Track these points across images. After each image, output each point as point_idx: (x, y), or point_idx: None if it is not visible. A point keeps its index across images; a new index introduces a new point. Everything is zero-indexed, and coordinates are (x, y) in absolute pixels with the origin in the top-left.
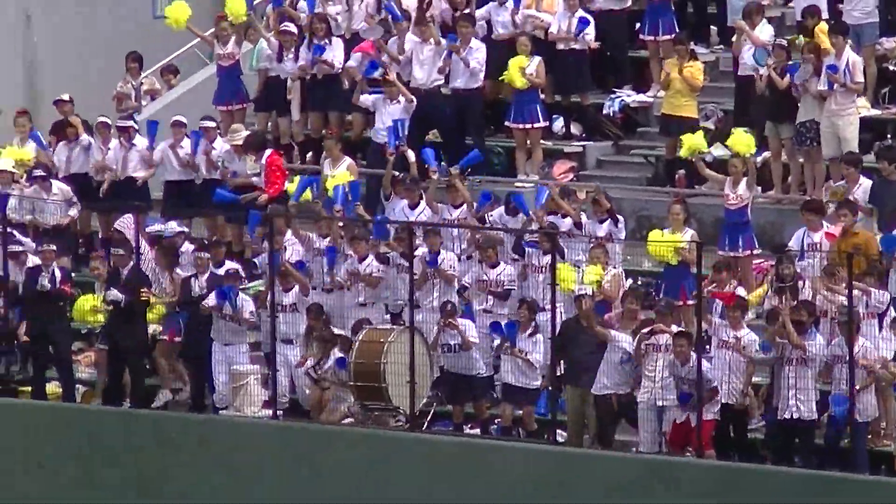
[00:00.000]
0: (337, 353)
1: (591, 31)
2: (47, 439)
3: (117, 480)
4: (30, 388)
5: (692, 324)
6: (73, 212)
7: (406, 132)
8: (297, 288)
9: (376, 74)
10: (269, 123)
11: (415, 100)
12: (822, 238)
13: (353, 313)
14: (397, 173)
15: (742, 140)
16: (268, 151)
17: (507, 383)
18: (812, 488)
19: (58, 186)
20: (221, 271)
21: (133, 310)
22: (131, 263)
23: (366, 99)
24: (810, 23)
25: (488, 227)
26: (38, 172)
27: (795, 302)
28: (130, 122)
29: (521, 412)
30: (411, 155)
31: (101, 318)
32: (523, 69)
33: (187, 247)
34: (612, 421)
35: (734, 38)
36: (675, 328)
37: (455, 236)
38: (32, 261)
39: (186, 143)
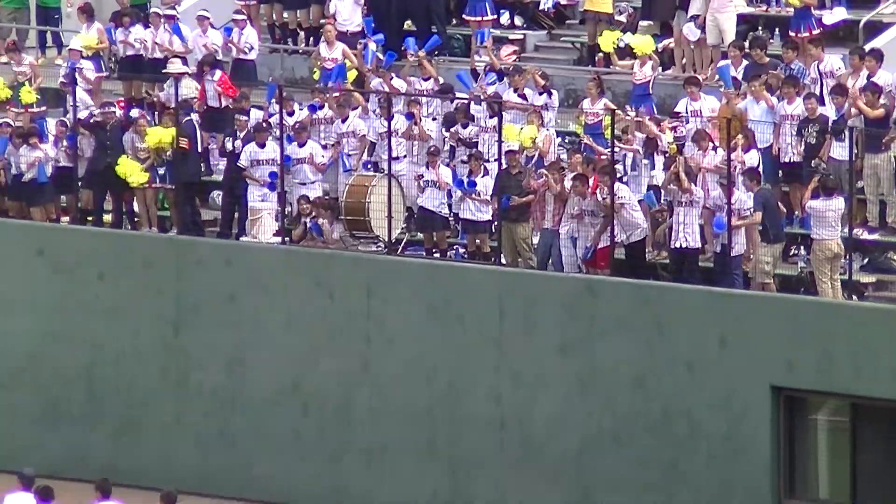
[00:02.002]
0: (310, 221)
1: None
2: (108, 258)
3: (161, 289)
4: (91, 218)
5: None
6: None
7: (371, 29)
8: (308, 143)
9: None
10: (274, 14)
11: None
12: (701, 105)
13: (345, 160)
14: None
15: (642, 43)
16: (218, 73)
17: (465, 218)
18: (702, 300)
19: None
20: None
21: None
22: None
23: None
24: None
25: (452, 97)
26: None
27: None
28: (174, 12)
29: (478, 240)
30: (373, 45)
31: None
32: None
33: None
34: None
35: None
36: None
37: (424, 102)
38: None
39: (212, 34)
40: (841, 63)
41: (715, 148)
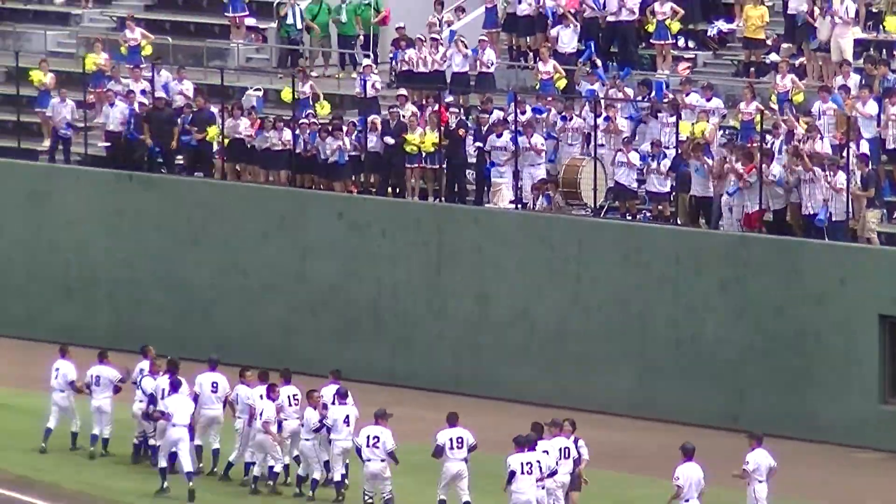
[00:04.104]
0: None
1: None
2: (388, 218)
3: (427, 241)
4: (374, 190)
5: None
6: None
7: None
8: (534, 135)
9: None
10: (511, 39)
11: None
12: (829, 106)
13: (563, 149)
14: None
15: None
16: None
17: (650, 190)
18: (827, 251)
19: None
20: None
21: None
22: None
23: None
24: None
25: (638, 100)
26: None
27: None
28: (439, 37)
29: (660, 206)
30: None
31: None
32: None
33: None
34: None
35: None
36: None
37: (618, 107)
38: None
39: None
40: None
41: (822, 137)
